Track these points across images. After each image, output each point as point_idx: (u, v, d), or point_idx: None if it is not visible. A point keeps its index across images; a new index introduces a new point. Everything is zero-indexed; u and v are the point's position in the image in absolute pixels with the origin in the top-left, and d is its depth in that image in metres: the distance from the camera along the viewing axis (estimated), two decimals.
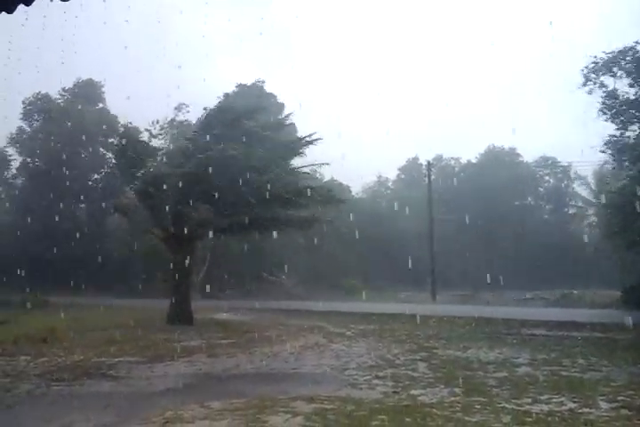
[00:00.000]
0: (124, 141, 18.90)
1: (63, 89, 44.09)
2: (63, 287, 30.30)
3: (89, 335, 13.83)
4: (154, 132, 36.74)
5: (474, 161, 51.34)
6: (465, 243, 41.89)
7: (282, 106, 40.51)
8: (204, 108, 31.88)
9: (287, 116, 20.62)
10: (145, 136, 36.82)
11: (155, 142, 34.90)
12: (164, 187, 16.56)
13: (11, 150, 43.95)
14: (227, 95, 39.53)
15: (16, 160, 44.16)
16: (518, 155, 50.23)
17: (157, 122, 38.37)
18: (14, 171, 44.57)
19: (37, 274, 30.59)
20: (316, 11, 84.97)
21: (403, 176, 54.27)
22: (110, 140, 40.42)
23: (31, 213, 34.94)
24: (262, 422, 5.67)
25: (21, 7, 3.92)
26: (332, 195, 18.87)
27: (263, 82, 42.66)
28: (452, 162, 53.24)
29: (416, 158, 52.66)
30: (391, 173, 55.99)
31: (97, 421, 5.97)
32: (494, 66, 76.76)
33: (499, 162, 48.33)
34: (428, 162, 40.32)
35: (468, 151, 62.02)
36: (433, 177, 48.99)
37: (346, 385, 7.77)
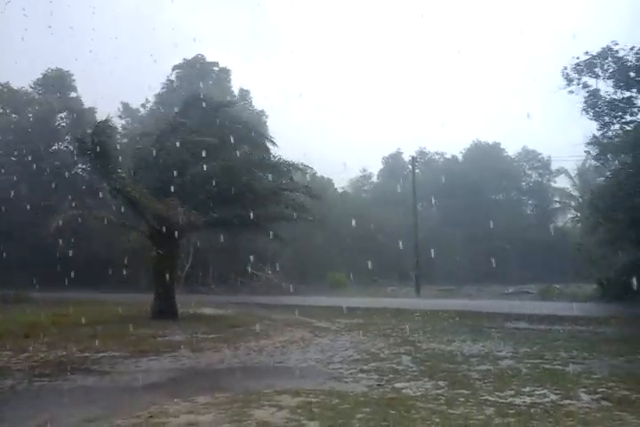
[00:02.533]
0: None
1: (34, 82, 43.29)
2: (46, 283, 30.04)
3: (72, 330, 13.69)
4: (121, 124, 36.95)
5: (459, 156, 51.64)
6: (449, 238, 42.14)
7: (228, 72, 41.17)
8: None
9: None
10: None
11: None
12: (138, 185, 16.49)
13: None
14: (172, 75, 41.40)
15: None
16: (503, 150, 50.65)
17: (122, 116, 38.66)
18: None
19: (19, 270, 30.31)
20: (305, 1, 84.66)
21: (387, 170, 54.37)
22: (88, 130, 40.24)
23: (9, 209, 34.46)
24: (247, 416, 5.67)
25: None
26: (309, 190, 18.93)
27: (203, 57, 42.64)
28: (437, 157, 53.51)
29: (399, 152, 52.85)
30: (376, 167, 56.10)
31: (81, 416, 5.92)
32: (481, 62, 77.18)
33: (483, 157, 48.68)
34: (413, 157, 40.49)
35: (453, 146, 62.31)
36: (417, 171, 49.32)
37: (330, 379, 7.80)
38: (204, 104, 17.99)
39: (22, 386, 7.58)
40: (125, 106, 43.74)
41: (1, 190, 38.16)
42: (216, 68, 42.16)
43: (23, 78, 42.99)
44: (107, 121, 17.78)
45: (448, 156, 52.62)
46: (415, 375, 7.93)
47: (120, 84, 52.63)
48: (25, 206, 33.15)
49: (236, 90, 42.86)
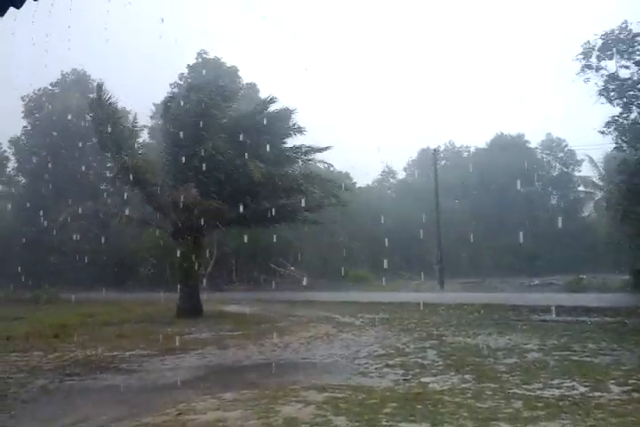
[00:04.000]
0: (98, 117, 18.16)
1: (51, 84, 43.73)
2: (74, 284, 30.56)
3: (100, 330, 13.97)
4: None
5: (482, 148, 51.02)
6: (474, 231, 41.70)
7: (237, 77, 41.50)
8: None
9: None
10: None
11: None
12: (158, 179, 16.63)
13: (14, 148, 43.84)
14: (190, 67, 41.84)
15: (19, 157, 44.09)
16: (526, 141, 49.88)
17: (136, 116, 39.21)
18: (15, 169, 44.50)
19: (48, 272, 30.87)
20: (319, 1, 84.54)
21: (412, 166, 54.07)
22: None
23: (39, 211, 35.00)
24: (275, 412, 5.69)
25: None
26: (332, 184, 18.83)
27: (219, 58, 43.00)
28: (462, 150, 52.95)
29: (427, 150, 52.24)
30: (400, 163, 55.98)
31: (111, 414, 6.02)
32: (502, 51, 76.31)
33: (506, 149, 47.97)
34: (435, 150, 40.11)
35: (477, 139, 61.75)
36: (443, 164, 48.93)
37: (356, 374, 7.81)
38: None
39: (53, 385, 7.73)
40: (158, 107, 43.89)
41: (28, 195, 38.91)
42: (226, 66, 42.33)
43: (43, 80, 43.57)
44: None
45: (473, 149, 52.08)
46: (441, 369, 7.89)
47: (143, 84, 53.22)
48: (51, 209, 33.69)
49: (260, 93, 42.93)
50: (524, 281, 30.31)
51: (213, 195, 16.46)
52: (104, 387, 7.60)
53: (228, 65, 42.41)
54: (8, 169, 44.81)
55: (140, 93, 46.56)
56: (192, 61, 43.05)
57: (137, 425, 5.49)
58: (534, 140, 50.08)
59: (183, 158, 16.52)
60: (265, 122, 17.52)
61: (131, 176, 16.89)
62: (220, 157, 16.55)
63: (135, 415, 5.90)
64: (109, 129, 17.06)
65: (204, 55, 42.68)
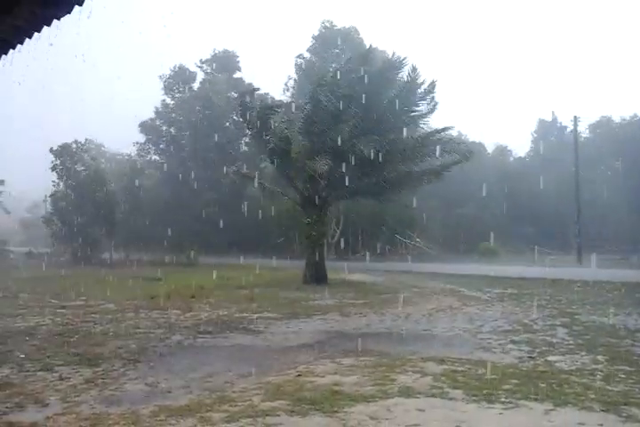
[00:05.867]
0: (247, 99, 19.75)
1: (200, 61, 46.17)
2: (209, 249, 32.65)
3: (232, 292, 14.87)
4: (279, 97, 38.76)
5: (628, 120, 46.44)
6: (618, 205, 38.53)
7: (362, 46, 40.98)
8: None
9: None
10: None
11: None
12: (294, 152, 17.03)
13: (158, 120, 46.92)
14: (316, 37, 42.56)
15: (164, 130, 47.19)
16: None
17: (288, 89, 40.64)
18: (164, 141, 47.58)
19: (187, 237, 33.17)
20: None
21: (544, 134, 50.64)
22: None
23: (180, 182, 37.55)
24: (390, 381, 5.71)
25: None
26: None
27: (351, 28, 42.45)
28: (615, 120, 48.51)
29: (556, 124, 48.71)
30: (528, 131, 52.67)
31: (236, 371, 6.40)
32: None
33: None
34: (575, 117, 37.12)
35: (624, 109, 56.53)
36: (590, 136, 45.41)
37: (478, 348, 7.60)
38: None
39: (188, 342, 8.36)
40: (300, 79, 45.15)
41: (172, 165, 41.79)
42: (353, 36, 42.09)
43: (189, 58, 46.53)
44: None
45: (617, 119, 47.53)
46: (571, 349, 7.45)
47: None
48: (192, 179, 36.04)
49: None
50: None
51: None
52: (232, 346, 8.09)
53: (356, 36, 42.09)
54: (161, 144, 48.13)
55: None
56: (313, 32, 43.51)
57: (259, 383, 5.78)
58: None
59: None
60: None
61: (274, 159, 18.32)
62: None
63: (258, 374, 6.21)
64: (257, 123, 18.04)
65: (327, 24, 42.83)
